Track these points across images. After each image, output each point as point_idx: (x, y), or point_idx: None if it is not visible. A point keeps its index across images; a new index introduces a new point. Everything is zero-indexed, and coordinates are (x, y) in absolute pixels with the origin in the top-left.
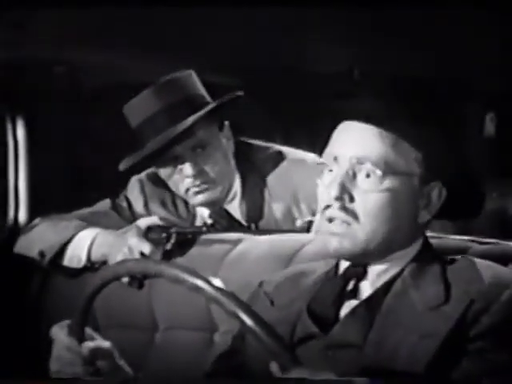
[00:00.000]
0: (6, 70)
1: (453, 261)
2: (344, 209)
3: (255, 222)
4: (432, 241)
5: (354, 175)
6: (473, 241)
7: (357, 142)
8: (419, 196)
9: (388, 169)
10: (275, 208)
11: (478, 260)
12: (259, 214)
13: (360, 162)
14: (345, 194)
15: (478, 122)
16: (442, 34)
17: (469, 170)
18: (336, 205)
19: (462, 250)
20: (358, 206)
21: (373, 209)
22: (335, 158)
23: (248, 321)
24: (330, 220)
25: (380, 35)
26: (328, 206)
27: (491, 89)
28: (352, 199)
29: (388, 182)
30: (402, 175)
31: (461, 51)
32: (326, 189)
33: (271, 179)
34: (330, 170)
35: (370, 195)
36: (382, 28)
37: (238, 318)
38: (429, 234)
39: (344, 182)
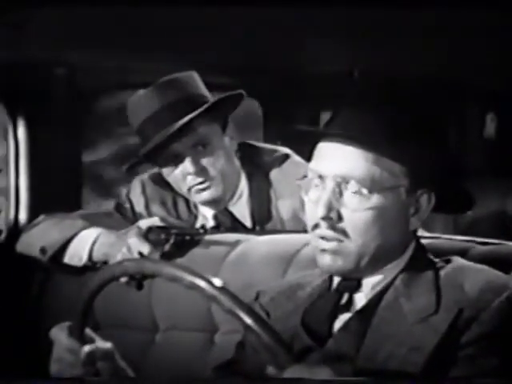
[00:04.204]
0: (5, 69)
1: (447, 262)
2: (333, 228)
3: (263, 223)
4: (433, 242)
5: (340, 193)
6: (475, 241)
7: (340, 159)
8: (408, 205)
9: (374, 186)
10: (281, 208)
11: (470, 264)
12: (267, 214)
13: (345, 180)
14: (332, 213)
15: (478, 123)
16: (442, 34)
17: (456, 172)
18: (324, 224)
19: (464, 251)
20: (346, 224)
21: (362, 226)
22: (320, 177)
23: (247, 319)
24: (321, 238)
25: (380, 35)
26: (317, 225)
27: (491, 89)
28: (340, 218)
29: (375, 199)
30: (388, 190)
31: (460, 51)
32: (314, 206)
33: (276, 179)
34: (316, 185)
35: (358, 213)
36: (382, 28)
37: (237, 315)
38: (430, 234)
39: (330, 201)
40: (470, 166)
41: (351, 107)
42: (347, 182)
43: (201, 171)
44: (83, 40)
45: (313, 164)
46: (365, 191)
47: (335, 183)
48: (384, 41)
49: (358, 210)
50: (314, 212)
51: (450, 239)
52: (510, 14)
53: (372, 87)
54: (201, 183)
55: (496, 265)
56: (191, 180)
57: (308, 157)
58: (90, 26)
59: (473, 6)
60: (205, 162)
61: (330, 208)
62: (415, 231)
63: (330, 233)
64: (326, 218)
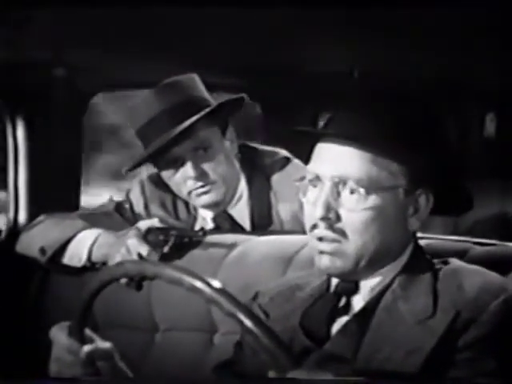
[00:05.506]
0: (5, 70)
1: (444, 263)
2: (331, 228)
3: (263, 226)
4: (432, 242)
5: (338, 193)
6: (473, 242)
7: (337, 160)
8: (406, 205)
9: (371, 186)
10: (282, 211)
11: (467, 266)
12: (267, 216)
13: (342, 180)
14: (330, 213)
15: (478, 123)
16: (442, 34)
17: (455, 172)
18: (322, 225)
19: (462, 252)
20: (344, 224)
21: (360, 226)
22: (317, 177)
23: (247, 321)
24: (319, 239)
25: (380, 35)
26: (315, 226)
27: (491, 89)
28: (338, 218)
29: (373, 199)
30: (386, 190)
31: (461, 51)
32: (312, 207)
33: (276, 181)
34: (314, 186)
35: (356, 213)
36: (381, 28)
37: (237, 318)
38: (429, 235)
39: (328, 201)
40: (470, 166)
41: (349, 107)
42: (345, 183)
43: (201, 175)
44: (83, 40)
45: (311, 165)
46: (362, 191)
47: (333, 183)
48: (384, 41)
49: (355, 210)
50: (312, 213)
51: (449, 240)
52: (510, 14)
53: (371, 87)
54: (201, 187)
55: (495, 266)
56: (192, 184)
57: (306, 158)
58: (90, 26)
59: (473, 5)
60: (205, 166)
61: (328, 208)
62: (414, 232)
63: (328, 233)
64: (324, 218)
